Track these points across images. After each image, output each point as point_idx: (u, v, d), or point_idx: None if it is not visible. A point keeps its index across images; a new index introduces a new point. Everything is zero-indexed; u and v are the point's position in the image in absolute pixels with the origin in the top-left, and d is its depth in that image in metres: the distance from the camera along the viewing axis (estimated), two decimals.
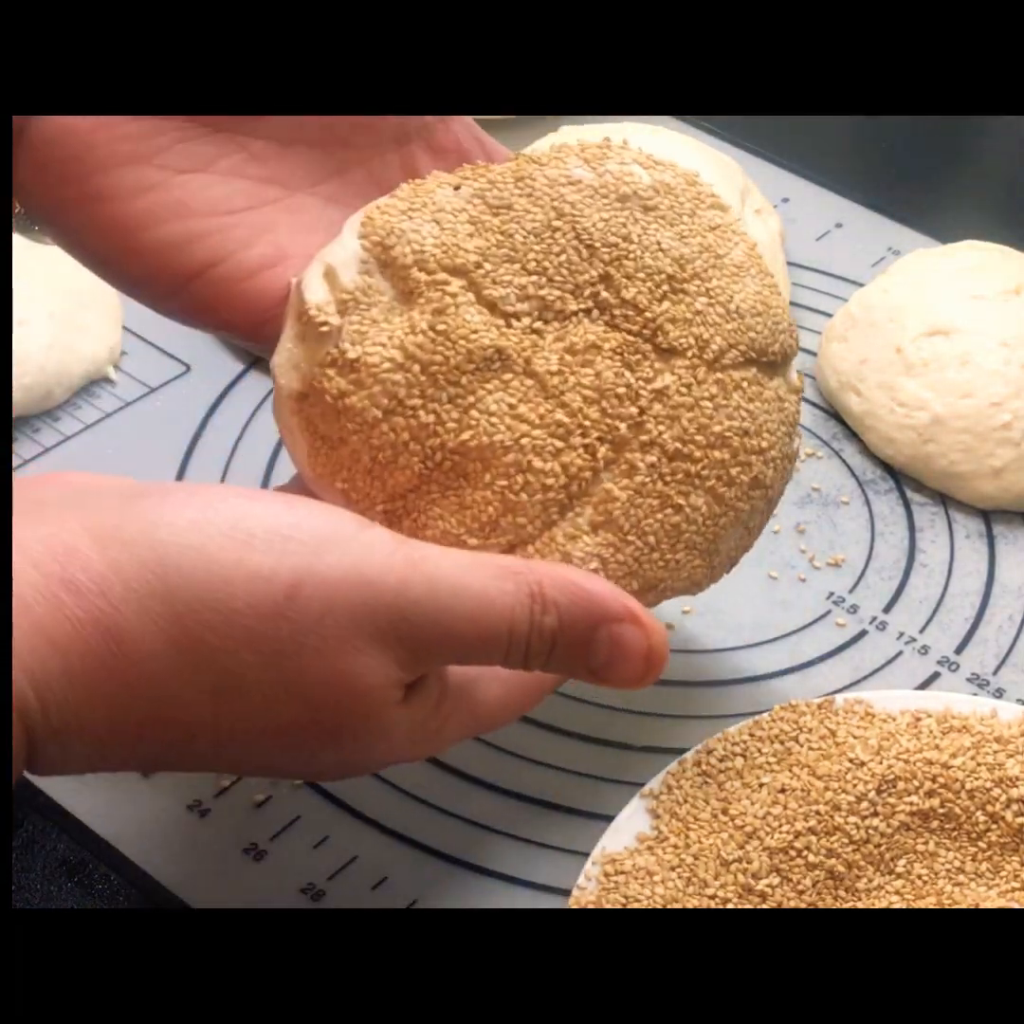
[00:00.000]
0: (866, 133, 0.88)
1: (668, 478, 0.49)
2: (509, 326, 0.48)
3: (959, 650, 0.62)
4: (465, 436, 0.47)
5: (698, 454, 0.49)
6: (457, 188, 0.49)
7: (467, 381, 0.47)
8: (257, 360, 0.71)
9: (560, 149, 0.51)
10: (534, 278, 0.48)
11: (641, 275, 0.49)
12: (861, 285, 0.74)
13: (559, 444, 0.47)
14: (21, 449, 0.66)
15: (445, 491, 0.47)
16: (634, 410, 0.48)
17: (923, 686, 0.60)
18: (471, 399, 0.47)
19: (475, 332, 0.47)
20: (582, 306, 0.49)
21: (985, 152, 0.91)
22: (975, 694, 0.59)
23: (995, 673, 0.61)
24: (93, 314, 0.70)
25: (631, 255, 0.49)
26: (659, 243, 0.50)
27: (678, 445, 0.49)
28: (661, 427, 0.49)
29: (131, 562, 0.41)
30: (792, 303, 0.75)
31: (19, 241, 0.71)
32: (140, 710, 0.41)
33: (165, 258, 0.49)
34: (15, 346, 0.66)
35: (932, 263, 0.72)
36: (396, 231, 0.48)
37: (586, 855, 0.51)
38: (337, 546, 0.42)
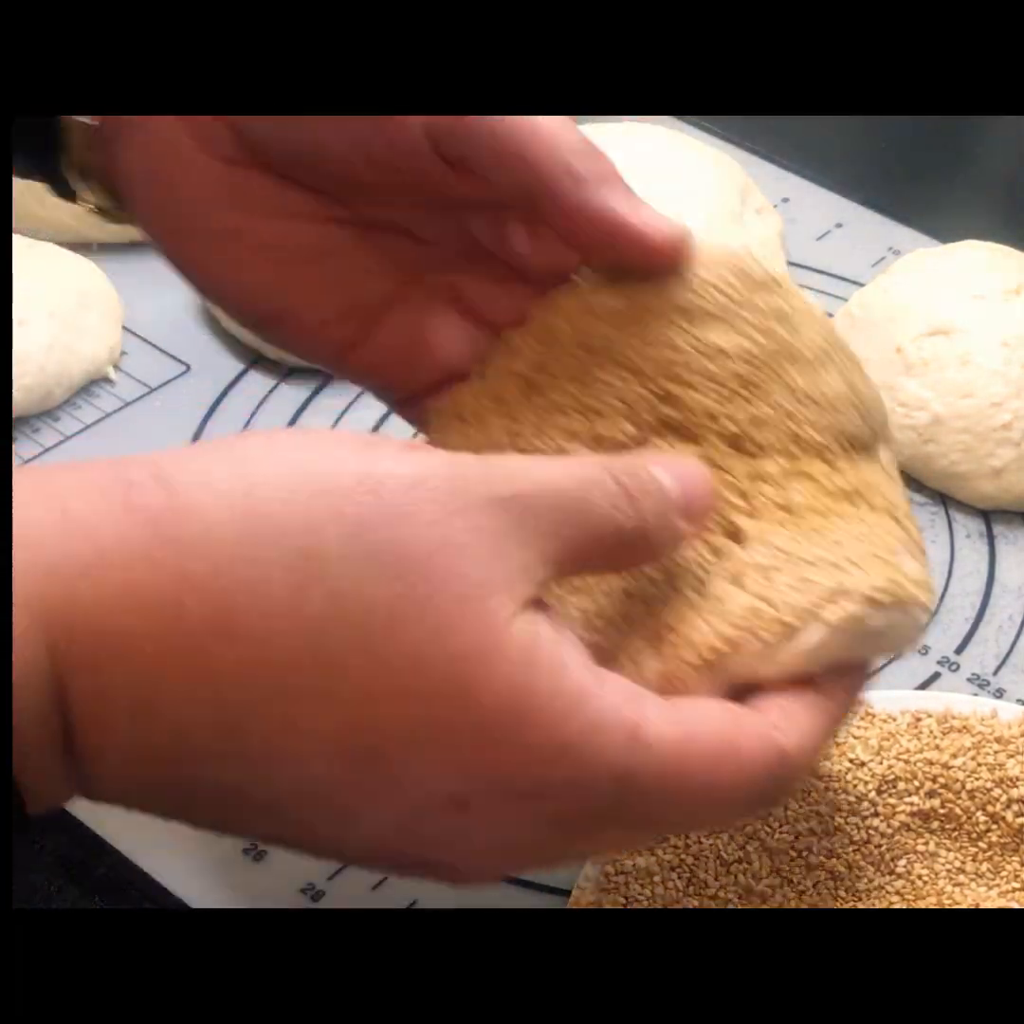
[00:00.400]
0: (866, 133, 0.88)
1: (799, 519, 0.43)
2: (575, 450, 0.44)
3: (959, 650, 0.62)
4: None
5: (823, 504, 0.43)
6: (483, 376, 0.46)
7: None
8: (257, 360, 0.71)
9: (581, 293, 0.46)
10: (581, 418, 0.44)
11: (707, 382, 0.44)
12: (861, 285, 0.74)
13: None
14: (21, 449, 0.66)
15: None
16: (739, 501, 0.43)
17: (923, 686, 0.60)
18: None
19: (539, 450, 0.44)
20: (649, 422, 0.44)
21: (985, 152, 0.91)
22: (975, 694, 0.59)
23: (995, 673, 0.61)
24: (93, 314, 0.70)
25: (689, 364, 0.44)
26: (719, 345, 0.44)
27: (800, 499, 0.43)
28: (773, 495, 0.43)
29: (190, 458, 0.38)
30: None
31: (20, 241, 0.71)
32: (199, 613, 0.34)
33: (241, 302, 0.49)
34: (15, 346, 0.66)
35: (932, 263, 0.72)
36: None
37: None
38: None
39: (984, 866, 0.52)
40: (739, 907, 0.50)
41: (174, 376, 0.70)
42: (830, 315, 0.73)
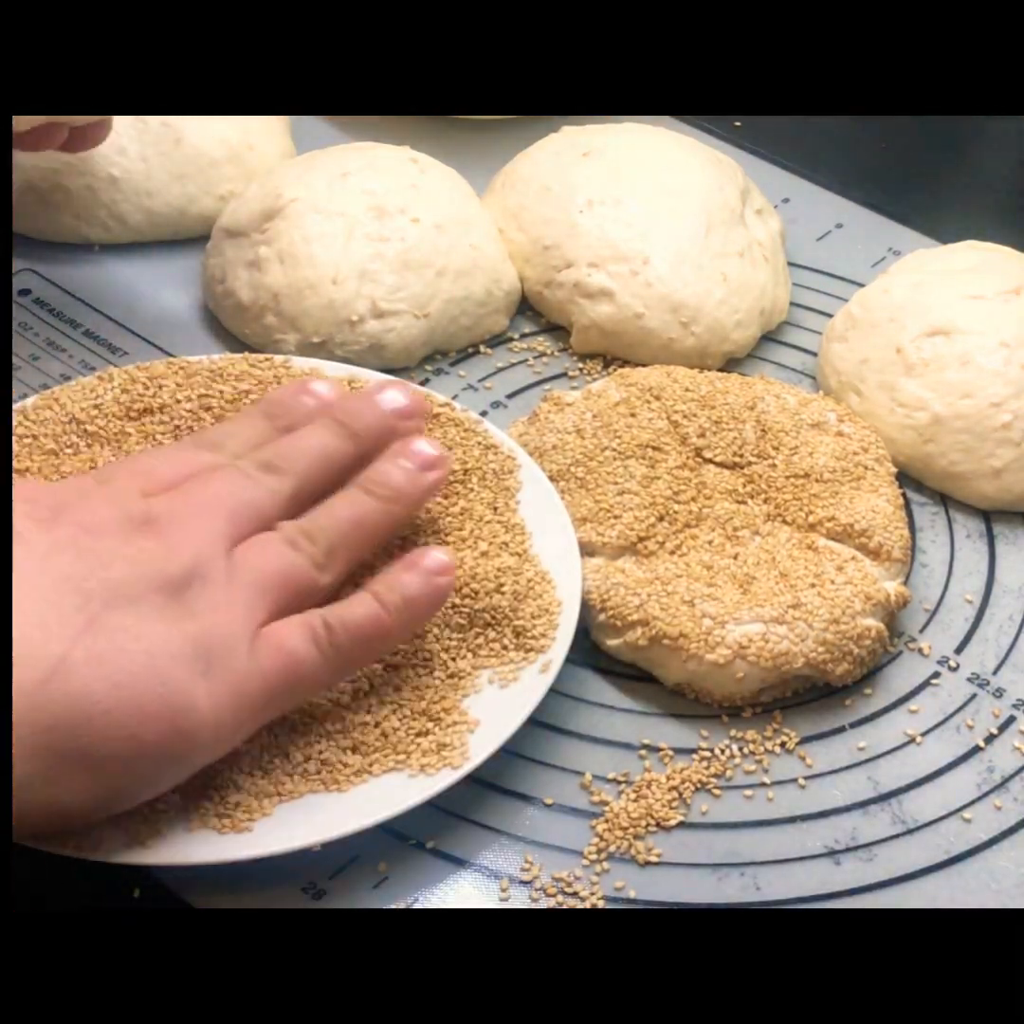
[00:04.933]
0: (866, 133, 0.88)
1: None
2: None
3: (959, 650, 0.62)
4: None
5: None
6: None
7: None
8: None
9: None
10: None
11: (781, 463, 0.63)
12: (861, 285, 0.74)
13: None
14: None
15: None
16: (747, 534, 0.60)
17: (923, 686, 0.60)
18: None
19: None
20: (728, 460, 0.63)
21: (985, 152, 0.91)
22: (975, 694, 0.60)
23: (995, 673, 0.61)
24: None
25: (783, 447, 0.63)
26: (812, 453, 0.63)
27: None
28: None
29: None
30: (792, 303, 0.75)
31: None
32: None
33: None
34: None
35: (932, 263, 0.72)
36: None
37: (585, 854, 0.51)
38: None
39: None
40: None
41: None
42: (830, 315, 0.74)
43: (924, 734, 0.58)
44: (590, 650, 0.59)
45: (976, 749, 0.58)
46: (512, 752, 0.55)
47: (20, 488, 0.49)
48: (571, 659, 0.56)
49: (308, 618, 0.50)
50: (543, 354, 0.73)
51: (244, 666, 0.48)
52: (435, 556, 0.53)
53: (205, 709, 0.47)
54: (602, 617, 0.58)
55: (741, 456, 0.63)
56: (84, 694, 0.44)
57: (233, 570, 0.49)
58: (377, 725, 0.53)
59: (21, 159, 0.72)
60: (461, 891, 0.52)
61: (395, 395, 0.57)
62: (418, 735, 0.52)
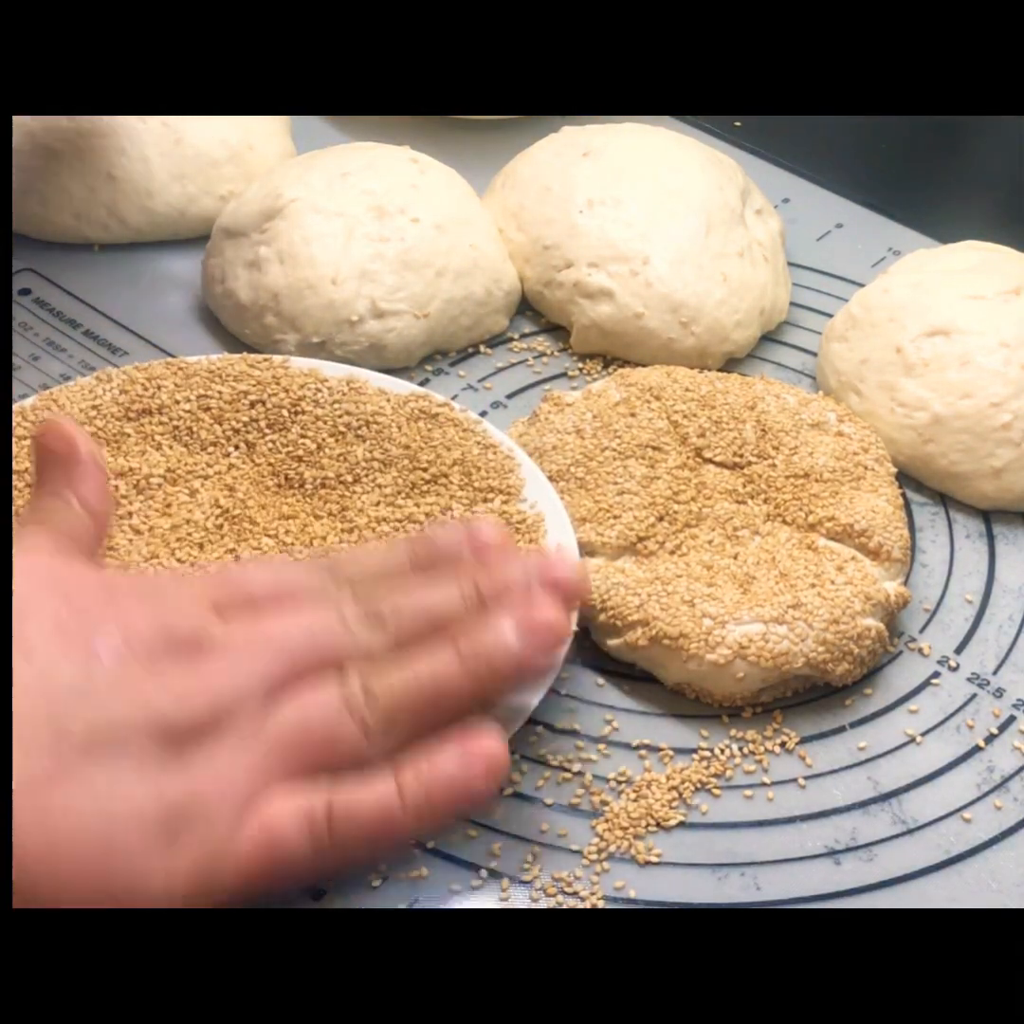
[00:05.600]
0: (866, 133, 0.88)
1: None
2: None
3: (959, 650, 0.62)
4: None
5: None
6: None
7: None
8: None
9: None
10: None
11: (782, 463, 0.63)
12: (861, 285, 0.74)
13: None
14: None
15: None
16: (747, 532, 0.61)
17: (923, 686, 0.60)
18: None
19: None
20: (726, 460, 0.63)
21: (985, 152, 0.91)
22: (975, 694, 0.60)
23: (995, 673, 0.61)
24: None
25: (783, 447, 0.63)
26: (812, 452, 0.64)
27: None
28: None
29: None
30: (792, 303, 0.75)
31: None
32: None
33: None
34: None
35: (932, 263, 0.72)
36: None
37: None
38: None
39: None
40: None
41: None
42: (830, 315, 0.74)
43: (924, 734, 0.58)
44: (590, 650, 0.59)
45: (976, 749, 0.58)
46: (512, 752, 0.55)
47: (69, 580, 0.43)
48: (571, 659, 0.56)
49: (311, 801, 0.43)
50: (543, 354, 0.73)
51: (219, 844, 0.42)
52: (483, 744, 0.45)
53: (157, 888, 0.41)
54: (602, 617, 0.58)
55: (741, 456, 0.63)
56: (18, 858, 0.39)
57: (263, 722, 0.43)
58: None
59: (21, 159, 0.72)
60: (461, 891, 0.52)
61: (560, 566, 0.50)
62: None
